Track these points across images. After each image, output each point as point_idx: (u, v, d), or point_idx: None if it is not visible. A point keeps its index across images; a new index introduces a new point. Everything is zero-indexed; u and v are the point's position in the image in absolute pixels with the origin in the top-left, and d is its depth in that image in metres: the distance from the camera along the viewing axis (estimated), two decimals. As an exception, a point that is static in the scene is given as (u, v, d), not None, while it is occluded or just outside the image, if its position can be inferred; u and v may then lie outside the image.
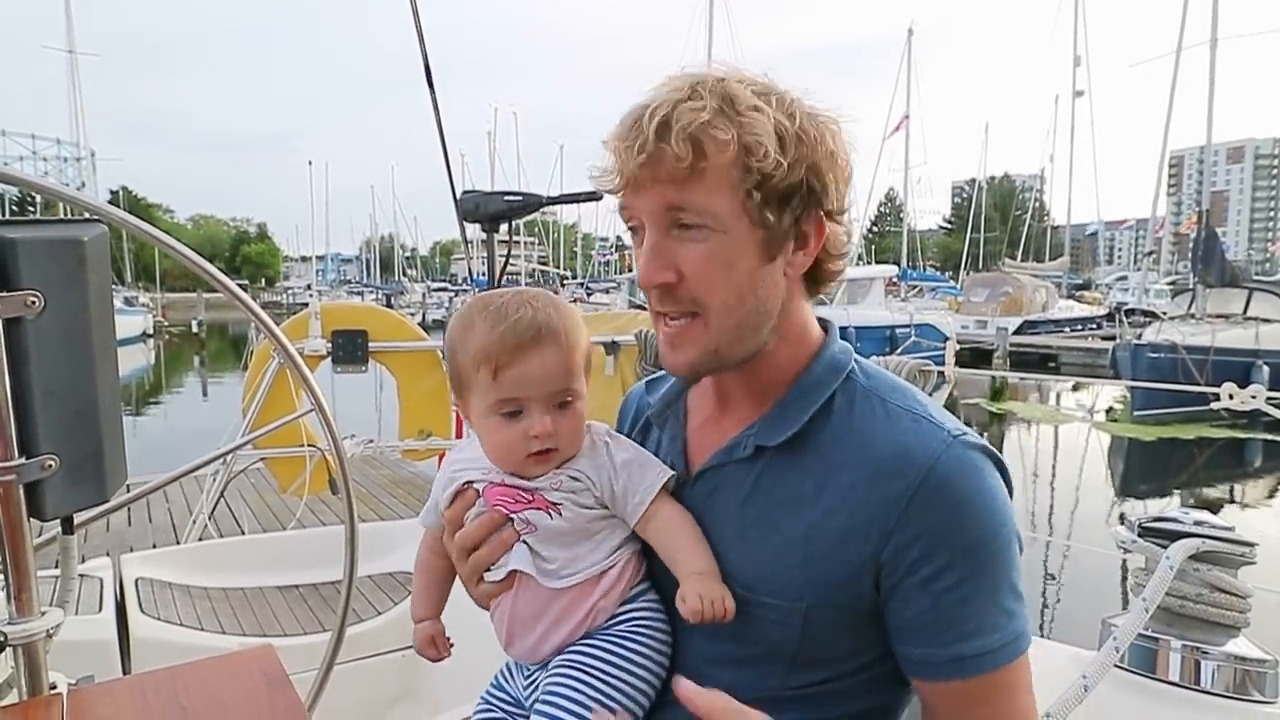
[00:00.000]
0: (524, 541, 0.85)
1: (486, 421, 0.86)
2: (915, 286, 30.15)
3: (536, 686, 0.88)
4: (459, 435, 4.05)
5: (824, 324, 0.92)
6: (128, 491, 1.55)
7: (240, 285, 1.36)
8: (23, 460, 0.96)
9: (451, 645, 0.99)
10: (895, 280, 26.81)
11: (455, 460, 0.93)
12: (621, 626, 0.86)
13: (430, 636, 0.96)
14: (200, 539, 3.06)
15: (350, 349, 3.45)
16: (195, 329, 32.67)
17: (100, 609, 1.93)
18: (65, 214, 1.11)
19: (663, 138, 0.76)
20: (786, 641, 0.81)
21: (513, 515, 0.85)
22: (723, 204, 0.78)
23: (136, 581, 2.15)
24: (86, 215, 1.08)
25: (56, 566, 1.17)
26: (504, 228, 3.04)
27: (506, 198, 2.91)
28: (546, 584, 0.84)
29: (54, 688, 1.04)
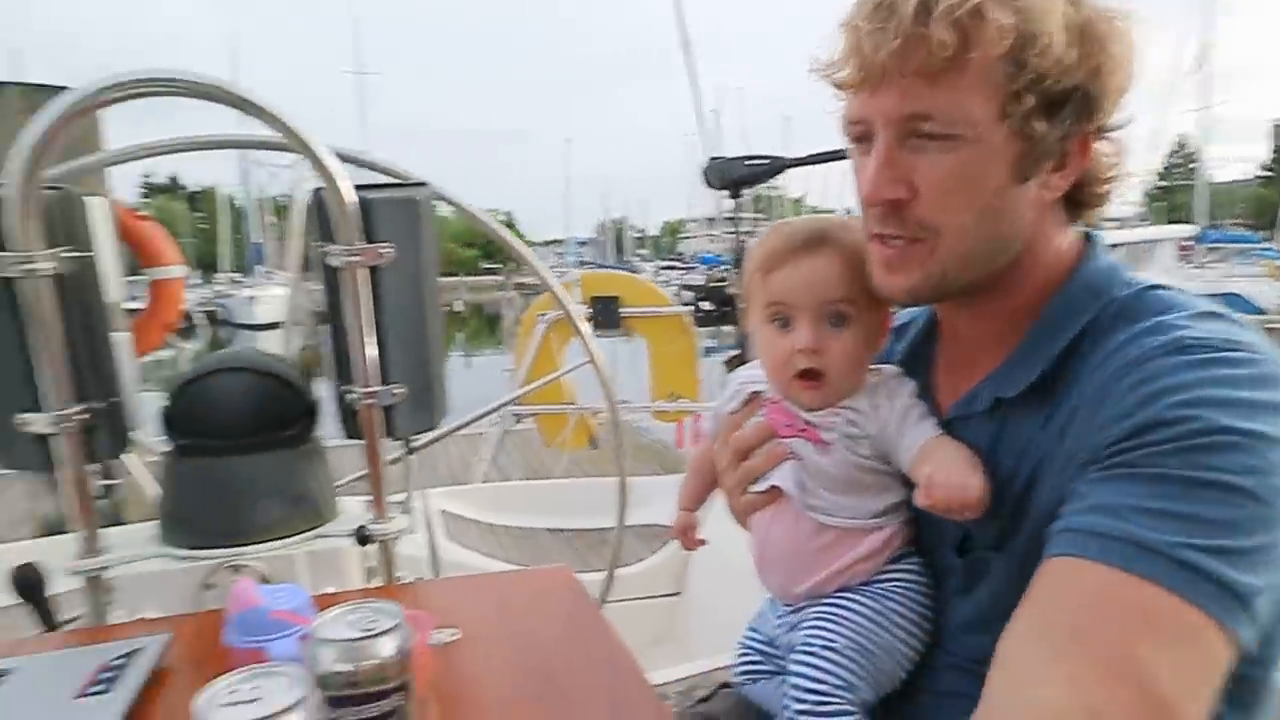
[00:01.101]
0: (793, 463, 0.82)
1: (760, 332, 0.83)
2: (1217, 248, 25.38)
3: (790, 627, 0.86)
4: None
5: (1088, 238, 0.77)
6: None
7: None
8: (379, 388, 1.15)
9: (703, 541, 0.98)
10: (1192, 242, 22.73)
11: (744, 374, 0.91)
12: (881, 585, 0.82)
13: (684, 525, 0.97)
14: (484, 481, 3.46)
15: (606, 313, 3.70)
16: (458, 309, 36.75)
17: (413, 530, 2.26)
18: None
19: (922, 21, 0.64)
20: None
21: (782, 438, 0.82)
22: (980, 107, 0.66)
23: (441, 512, 2.50)
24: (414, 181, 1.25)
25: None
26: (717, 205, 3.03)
27: (748, 162, 2.91)
28: (806, 514, 0.81)
29: (399, 579, 1.24)
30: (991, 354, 0.77)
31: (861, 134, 0.73)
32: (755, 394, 0.87)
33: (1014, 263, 0.73)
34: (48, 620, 1.14)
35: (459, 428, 1.77)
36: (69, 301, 1.05)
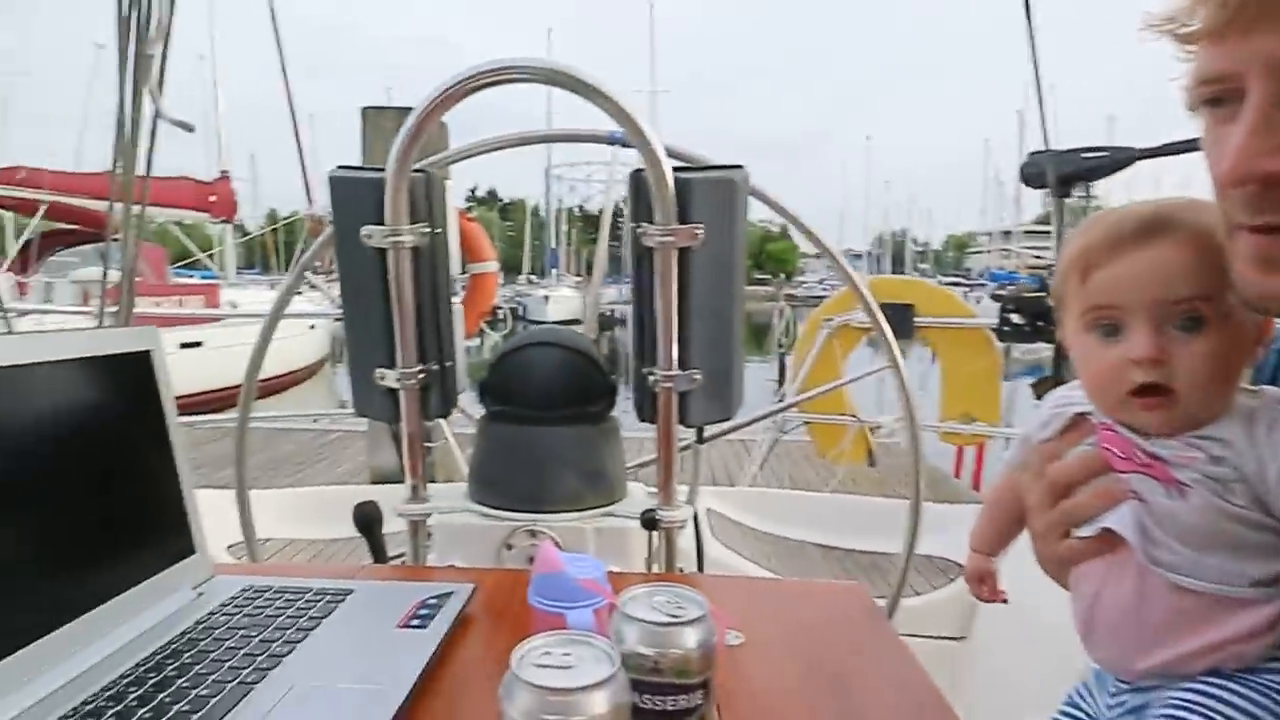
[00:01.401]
0: (1132, 503, 0.63)
1: (1078, 344, 0.66)
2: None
3: (1129, 710, 0.68)
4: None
5: None
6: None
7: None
8: (678, 372, 1.13)
9: (1004, 596, 0.81)
10: None
11: (1061, 394, 0.75)
12: (1275, 678, 0.60)
13: (979, 572, 0.81)
14: (750, 485, 3.42)
15: (899, 321, 3.45)
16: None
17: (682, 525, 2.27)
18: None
19: None
20: None
21: (1120, 473, 0.64)
22: None
23: (707, 510, 2.49)
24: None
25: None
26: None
27: (1085, 154, 2.51)
28: (1153, 570, 0.62)
29: (680, 570, 1.22)
30: None
31: (1220, 94, 0.54)
32: (1080, 416, 0.69)
33: None
34: (379, 554, 1.30)
35: (748, 424, 1.74)
36: (422, 272, 1.18)
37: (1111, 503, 0.64)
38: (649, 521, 1.13)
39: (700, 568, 2.18)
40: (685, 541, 2.18)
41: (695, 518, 2.40)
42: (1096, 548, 0.66)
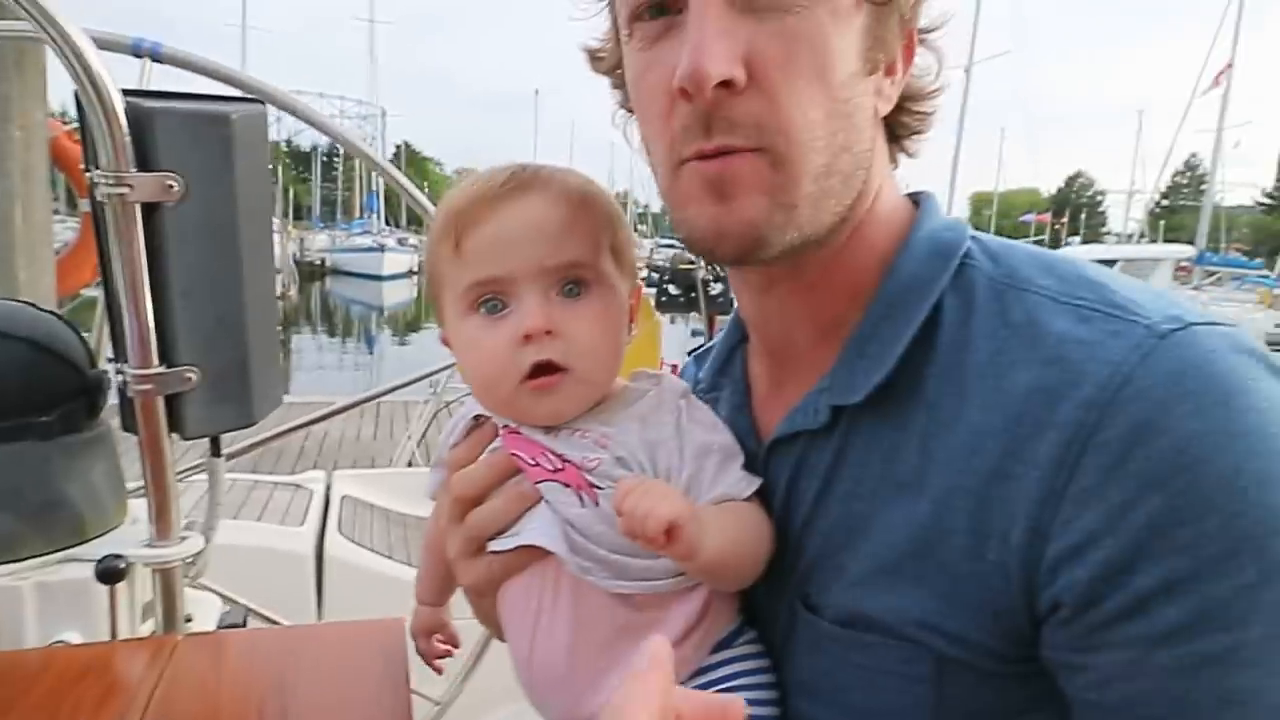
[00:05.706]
0: (551, 508, 0.56)
1: (460, 331, 0.59)
2: (1213, 273, 24.91)
3: None
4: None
5: (916, 197, 0.60)
6: (314, 410, 1.49)
7: None
8: (163, 370, 0.85)
9: (454, 648, 0.74)
10: (1189, 265, 22.49)
11: (470, 401, 0.67)
12: (722, 687, 0.56)
13: (427, 625, 0.72)
14: (409, 465, 3.16)
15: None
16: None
17: (303, 522, 1.97)
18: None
19: None
20: (914, 705, 0.51)
21: (534, 481, 0.58)
22: None
23: (342, 499, 2.20)
24: (248, 96, 0.94)
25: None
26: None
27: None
28: (588, 579, 0.55)
29: (189, 619, 0.95)
30: (827, 349, 0.57)
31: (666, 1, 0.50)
32: (482, 417, 0.62)
33: (855, 205, 0.55)
34: None
35: (329, 415, 1.47)
36: None
37: (523, 505, 0.57)
38: (107, 573, 0.83)
39: (319, 579, 1.90)
40: (299, 545, 1.89)
41: (323, 517, 2.10)
42: (518, 563, 0.58)
